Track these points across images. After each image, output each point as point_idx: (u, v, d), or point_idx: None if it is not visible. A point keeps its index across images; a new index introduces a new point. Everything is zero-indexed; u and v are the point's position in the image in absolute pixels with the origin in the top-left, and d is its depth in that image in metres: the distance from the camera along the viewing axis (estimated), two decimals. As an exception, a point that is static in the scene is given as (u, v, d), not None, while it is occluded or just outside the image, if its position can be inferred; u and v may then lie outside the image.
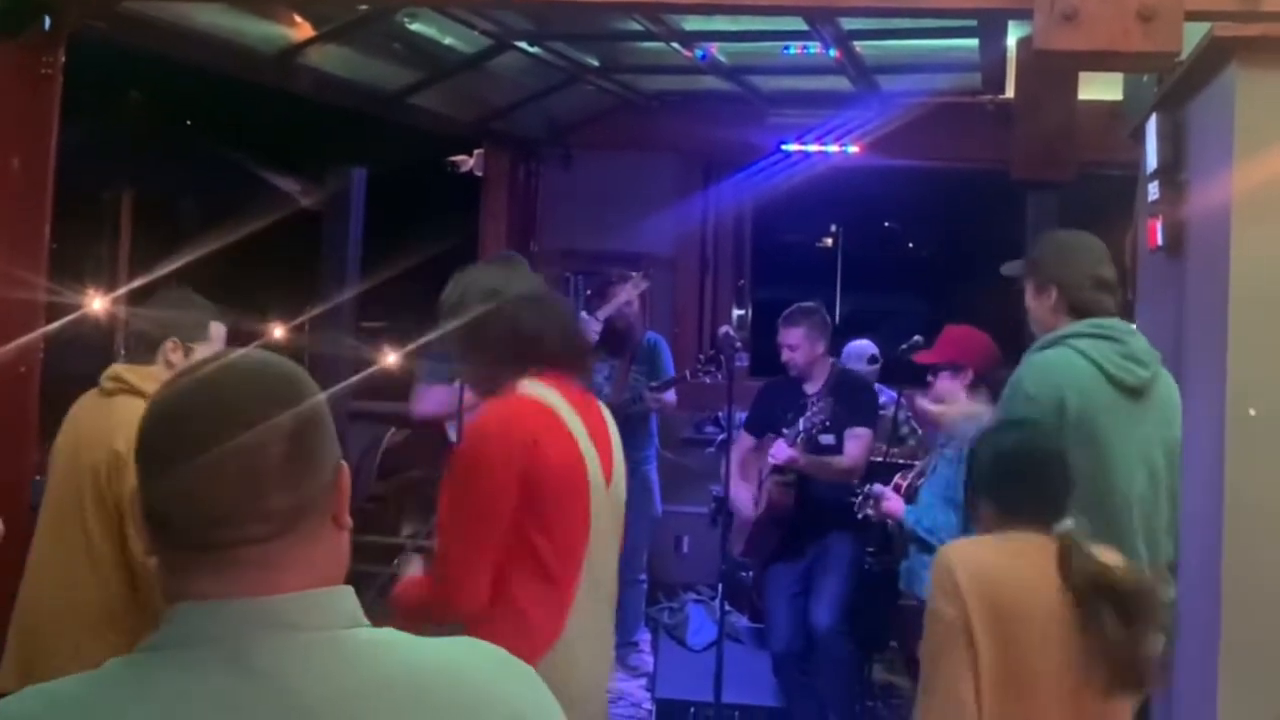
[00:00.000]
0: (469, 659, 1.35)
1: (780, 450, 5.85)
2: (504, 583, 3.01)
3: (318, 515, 1.33)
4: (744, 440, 6.26)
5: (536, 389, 3.14)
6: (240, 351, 1.40)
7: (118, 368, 3.94)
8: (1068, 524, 3.00)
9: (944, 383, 5.37)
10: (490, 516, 3.00)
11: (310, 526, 1.32)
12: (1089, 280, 3.96)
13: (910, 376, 6.41)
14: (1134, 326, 4.13)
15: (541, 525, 3.02)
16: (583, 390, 3.27)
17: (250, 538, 1.28)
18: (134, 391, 3.80)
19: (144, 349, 3.97)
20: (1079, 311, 3.94)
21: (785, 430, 5.89)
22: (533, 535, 3.02)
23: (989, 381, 5.03)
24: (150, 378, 3.83)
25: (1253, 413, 3.92)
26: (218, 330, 4.07)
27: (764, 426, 6.17)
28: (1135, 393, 3.81)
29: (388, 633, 1.32)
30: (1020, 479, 3.11)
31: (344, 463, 1.38)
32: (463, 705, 1.28)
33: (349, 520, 1.38)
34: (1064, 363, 3.80)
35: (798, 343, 6.15)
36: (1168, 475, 3.78)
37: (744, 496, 6.09)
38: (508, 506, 2.99)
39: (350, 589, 1.34)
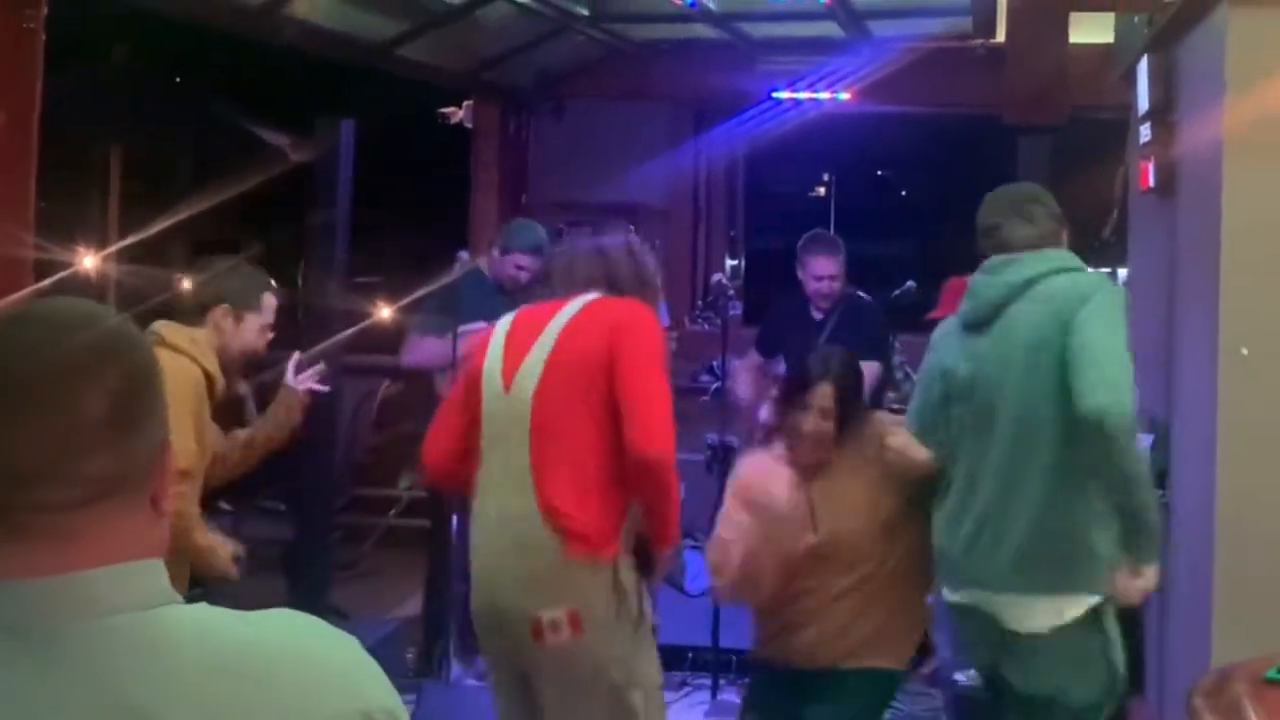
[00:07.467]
0: (300, 633, 1.23)
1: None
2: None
3: (132, 490, 1.18)
4: (752, 356, 6.10)
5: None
6: (73, 299, 1.24)
7: (159, 324, 3.83)
8: None
9: None
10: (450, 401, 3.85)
11: (121, 500, 1.17)
12: None
13: (904, 322, 6.41)
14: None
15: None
16: (556, 308, 3.66)
17: (48, 504, 1.13)
18: (172, 348, 3.70)
19: (194, 311, 3.89)
20: None
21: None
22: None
23: None
24: (193, 340, 3.79)
25: (1245, 351, 3.94)
26: (269, 302, 4.02)
27: (773, 347, 6.04)
28: None
29: (202, 609, 1.19)
30: None
31: (170, 440, 1.23)
32: (306, 681, 1.17)
33: (169, 506, 1.22)
34: None
35: (838, 272, 5.79)
36: None
37: (745, 380, 5.91)
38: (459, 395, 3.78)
39: (159, 563, 1.19)
